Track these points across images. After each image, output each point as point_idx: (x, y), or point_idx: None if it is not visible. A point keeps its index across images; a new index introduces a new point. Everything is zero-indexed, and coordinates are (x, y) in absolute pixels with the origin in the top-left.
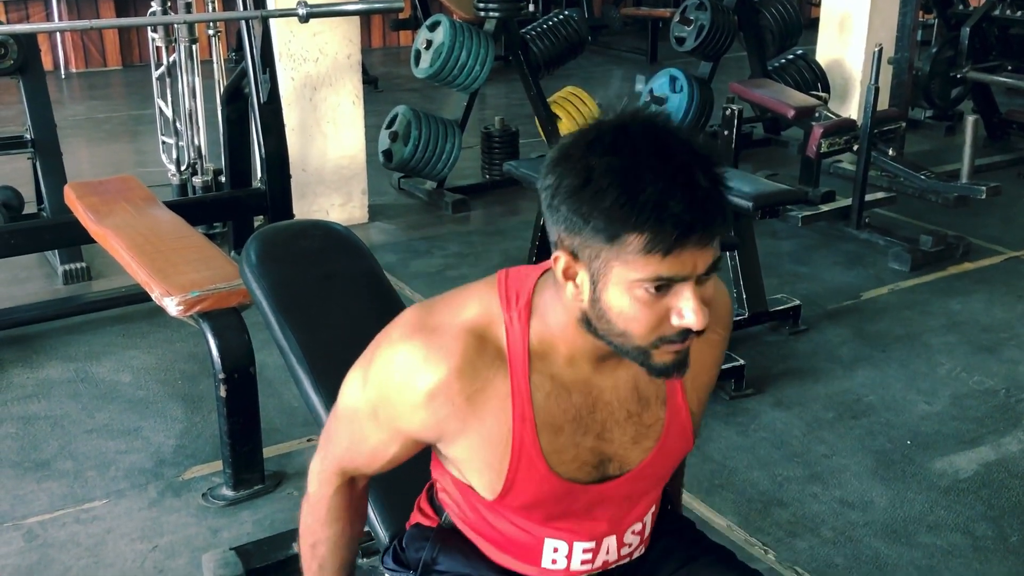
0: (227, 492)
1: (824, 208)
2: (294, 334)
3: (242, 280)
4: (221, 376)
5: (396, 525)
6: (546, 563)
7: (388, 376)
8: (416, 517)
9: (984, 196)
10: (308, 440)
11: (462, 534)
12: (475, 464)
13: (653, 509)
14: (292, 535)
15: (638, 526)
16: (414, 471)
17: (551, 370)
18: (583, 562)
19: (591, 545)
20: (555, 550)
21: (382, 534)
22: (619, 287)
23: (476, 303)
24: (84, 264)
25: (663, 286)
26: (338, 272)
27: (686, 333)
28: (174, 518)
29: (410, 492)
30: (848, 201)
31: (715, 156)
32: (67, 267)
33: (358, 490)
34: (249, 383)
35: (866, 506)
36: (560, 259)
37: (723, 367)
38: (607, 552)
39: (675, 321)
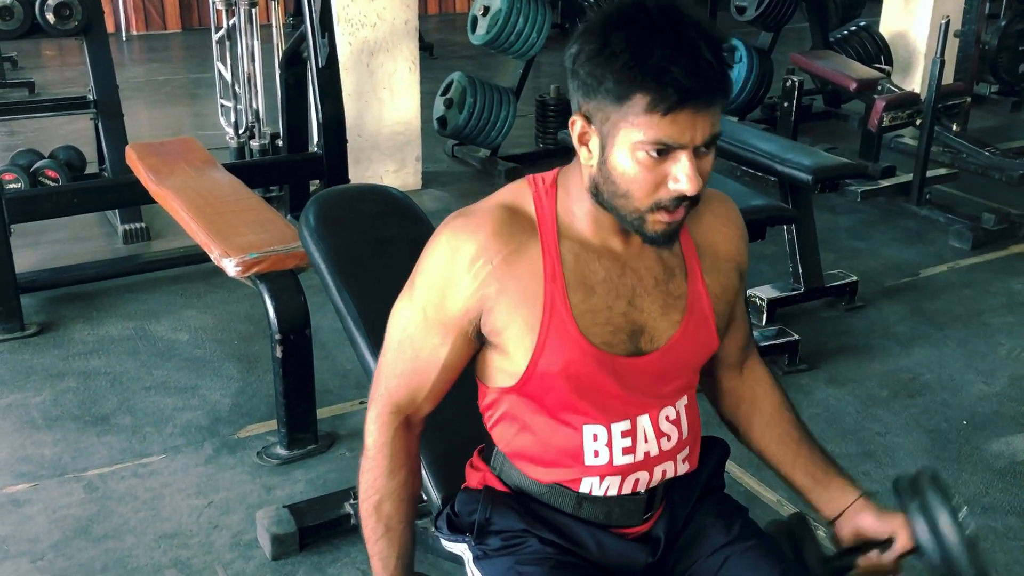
0: (281, 451)
1: (884, 183)
2: (351, 297)
3: (301, 243)
4: (277, 337)
5: (448, 487)
6: (589, 458)
7: (433, 263)
8: (469, 476)
9: None
10: (360, 403)
11: (510, 493)
12: (513, 329)
13: (685, 403)
14: (344, 495)
15: (671, 412)
16: (464, 434)
17: (580, 237)
18: (624, 450)
19: (627, 427)
20: (595, 437)
21: (435, 496)
22: (624, 149)
23: (507, 191)
24: (144, 224)
25: (663, 150)
26: (395, 236)
27: (680, 200)
28: (229, 475)
29: (461, 454)
30: (909, 177)
31: (722, 37)
32: (127, 227)
33: (415, 435)
34: (304, 345)
35: None
36: (576, 123)
37: (777, 342)
38: (645, 439)
39: (671, 185)
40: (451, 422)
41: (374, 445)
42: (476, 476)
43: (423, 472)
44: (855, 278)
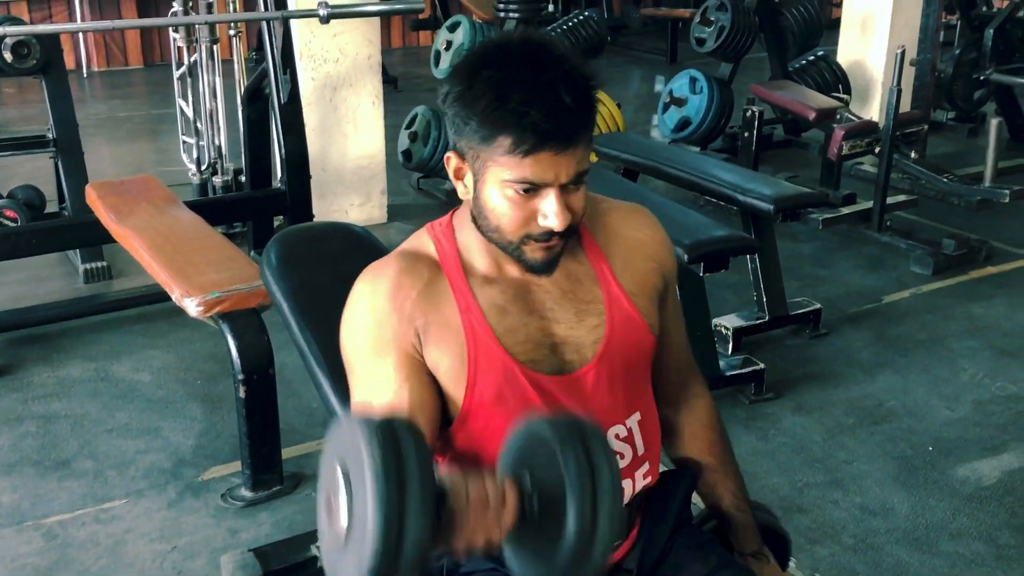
0: (246, 493)
1: (845, 211)
2: (314, 336)
3: (262, 282)
4: (240, 377)
5: None
6: None
7: (356, 314)
8: None
9: (1008, 200)
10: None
11: None
12: (445, 362)
13: (637, 418)
14: (310, 537)
15: (621, 430)
16: None
17: (481, 267)
18: None
19: None
20: None
21: None
22: (494, 186)
23: (405, 243)
24: (105, 263)
25: (530, 189)
26: (357, 274)
27: (550, 234)
28: (193, 519)
29: None
30: (869, 204)
31: (586, 75)
32: (88, 266)
33: None
34: (268, 384)
35: (887, 513)
36: (452, 159)
37: (743, 371)
38: None
39: (540, 221)
40: None
41: None
42: None
43: None
44: (819, 306)
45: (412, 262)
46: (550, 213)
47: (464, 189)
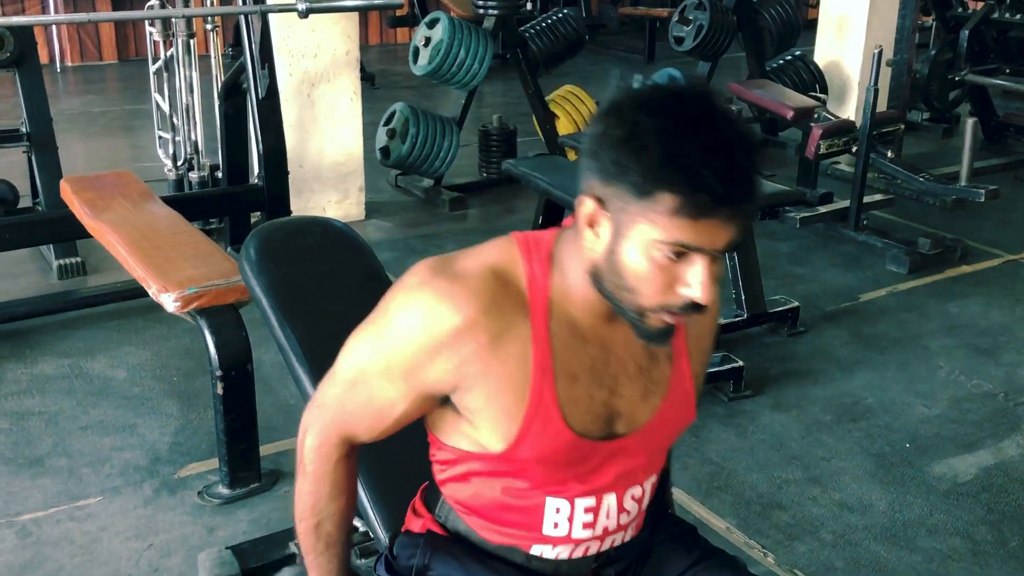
0: (223, 490)
1: (822, 209)
2: (294, 331)
3: (241, 277)
4: (218, 373)
5: (395, 527)
6: (547, 528)
7: (408, 323)
8: (410, 520)
9: (983, 199)
10: None
11: (452, 537)
12: (491, 412)
13: (653, 480)
14: (288, 535)
15: (638, 491)
16: (414, 472)
17: (569, 319)
18: (585, 525)
19: (592, 503)
20: (557, 511)
21: (382, 535)
22: (639, 244)
23: (495, 252)
24: (79, 259)
25: (681, 253)
26: (337, 269)
27: (689, 307)
28: (169, 516)
29: (410, 493)
30: (846, 203)
31: (756, 141)
32: (62, 262)
33: (355, 459)
34: (246, 380)
35: (865, 509)
36: (587, 203)
37: (722, 368)
38: (607, 516)
39: (683, 291)
40: (399, 458)
41: (315, 473)
42: (418, 522)
43: (370, 511)
44: (796, 304)
45: (499, 295)
46: (696, 283)
47: (594, 238)
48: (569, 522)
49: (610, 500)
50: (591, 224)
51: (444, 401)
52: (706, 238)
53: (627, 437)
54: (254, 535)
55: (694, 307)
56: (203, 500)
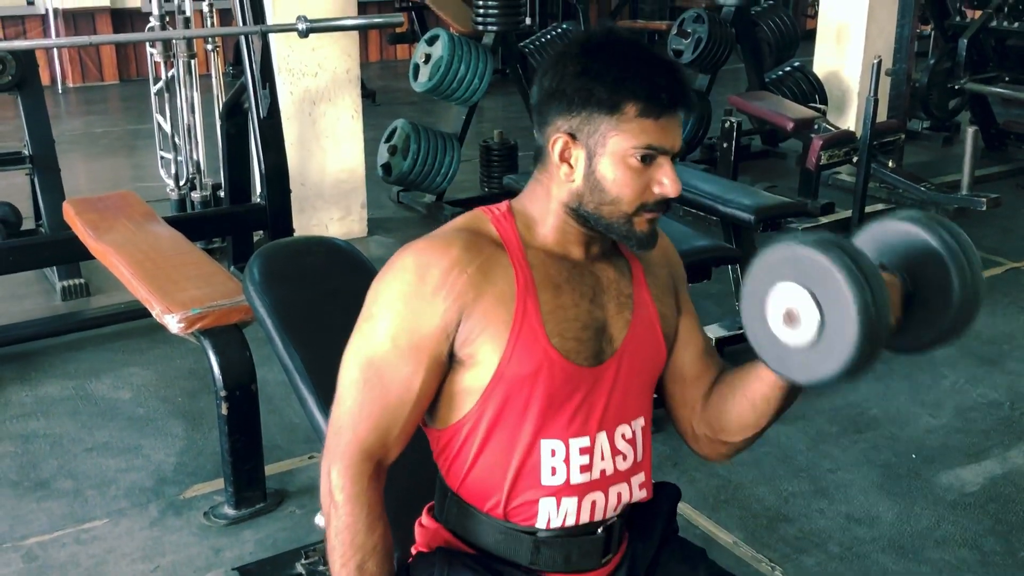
0: (229, 511)
1: (824, 220)
2: (298, 351)
3: (245, 298)
4: (222, 394)
5: (403, 551)
6: (546, 476)
7: (399, 288)
8: (418, 535)
9: (984, 208)
10: (310, 457)
11: (464, 552)
12: (486, 333)
13: (642, 424)
14: (295, 555)
15: (627, 431)
16: (420, 493)
17: (542, 247)
18: (582, 468)
19: (586, 443)
20: (552, 452)
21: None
22: (614, 156)
23: (460, 220)
24: (83, 280)
25: (648, 156)
26: (341, 288)
27: (664, 202)
28: (175, 537)
29: (413, 514)
30: (848, 213)
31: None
32: (66, 283)
33: (383, 486)
34: (250, 400)
35: (873, 521)
36: (559, 140)
37: None
38: (601, 457)
39: (656, 189)
40: (404, 483)
41: (347, 500)
42: (426, 535)
43: None
44: None
45: (474, 238)
46: (667, 180)
47: (569, 170)
48: (566, 465)
49: (602, 440)
50: (564, 158)
51: (450, 362)
52: (667, 138)
53: (610, 360)
54: (260, 556)
55: (665, 203)
56: (209, 521)
